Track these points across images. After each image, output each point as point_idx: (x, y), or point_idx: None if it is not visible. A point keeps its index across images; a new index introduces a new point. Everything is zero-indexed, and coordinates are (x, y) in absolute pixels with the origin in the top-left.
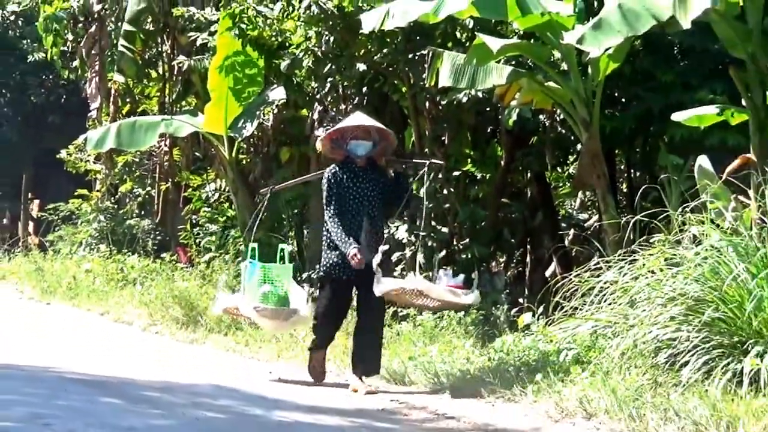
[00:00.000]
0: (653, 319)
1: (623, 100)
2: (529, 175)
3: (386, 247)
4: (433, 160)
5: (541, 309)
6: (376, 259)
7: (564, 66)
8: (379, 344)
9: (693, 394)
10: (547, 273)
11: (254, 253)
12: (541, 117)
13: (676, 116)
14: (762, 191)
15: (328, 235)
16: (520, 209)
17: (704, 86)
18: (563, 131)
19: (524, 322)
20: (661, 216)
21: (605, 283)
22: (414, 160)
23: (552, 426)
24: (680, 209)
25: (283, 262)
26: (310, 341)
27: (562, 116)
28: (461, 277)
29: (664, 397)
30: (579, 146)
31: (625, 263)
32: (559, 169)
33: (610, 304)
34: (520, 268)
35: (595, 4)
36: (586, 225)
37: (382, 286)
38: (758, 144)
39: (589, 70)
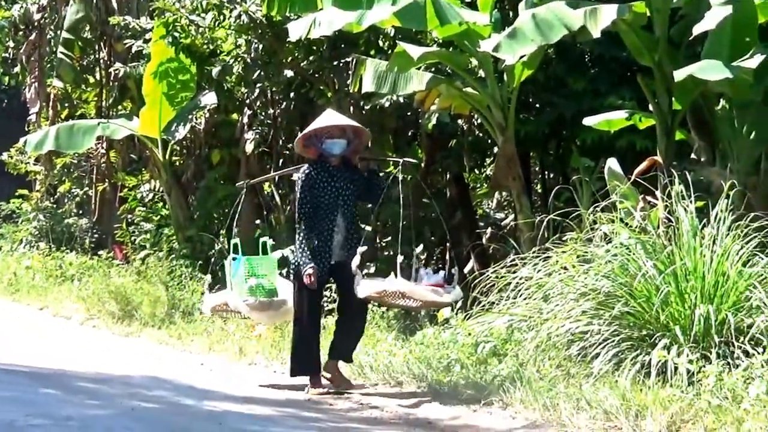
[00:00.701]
0: (566, 314)
1: (537, 105)
2: (448, 176)
3: (364, 248)
4: (406, 159)
5: (459, 304)
6: (355, 261)
7: (481, 73)
8: (357, 335)
9: (604, 384)
10: (466, 270)
11: (237, 248)
12: (459, 121)
13: (587, 121)
14: (668, 192)
15: (299, 233)
16: (440, 209)
17: (613, 92)
18: (480, 135)
19: (444, 317)
20: (573, 215)
21: (520, 279)
22: (387, 158)
23: (471, 415)
24: (591, 209)
25: (266, 254)
26: (297, 369)
27: (479, 121)
28: (441, 274)
29: (576, 388)
30: (495, 149)
31: (540, 260)
32: (477, 171)
33: (525, 299)
34: (440, 265)
35: (511, 14)
36: (502, 224)
37: (363, 288)
38: (664, 147)
39: (505, 76)
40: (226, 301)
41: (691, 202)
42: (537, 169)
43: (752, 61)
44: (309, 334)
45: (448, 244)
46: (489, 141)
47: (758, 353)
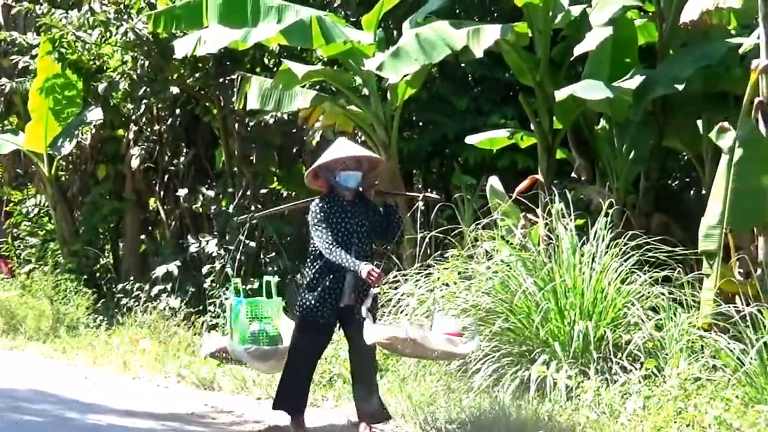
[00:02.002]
0: None
1: (421, 123)
2: None
3: (377, 290)
4: (426, 194)
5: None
6: (366, 304)
7: (365, 91)
8: (373, 388)
9: (483, 399)
10: (271, 278)
11: (237, 290)
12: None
13: (470, 139)
14: (549, 210)
15: (309, 272)
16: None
17: (496, 112)
18: None
19: None
20: (455, 232)
21: (403, 294)
22: (407, 193)
23: (350, 428)
24: (473, 226)
25: (270, 296)
26: (282, 403)
27: (363, 138)
28: (458, 321)
29: (457, 402)
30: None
31: (422, 276)
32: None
33: (407, 314)
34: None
35: (395, 33)
36: None
37: (372, 333)
38: (545, 165)
39: (388, 95)
40: (226, 347)
41: (571, 220)
42: (420, 186)
43: (632, 82)
44: (303, 373)
45: None
46: None
47: (635, 369)
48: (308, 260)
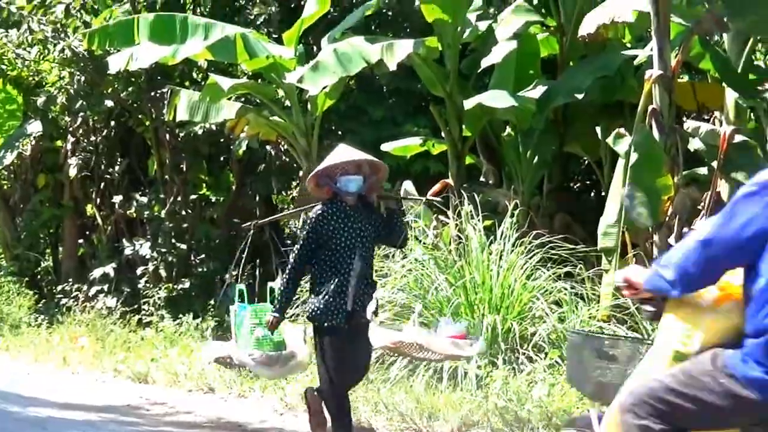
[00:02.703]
0: None
1: (340, 132)
2: (257, 198)
3: (380, 293)
4: (430, 197)
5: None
6: (371, 307)
7: (287, 102)
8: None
9: (400, 389)
10: (274, 284)
11: (243, 296)
12: (268, 147)
13: (386, 147)
14: (459, 212)
15: (313, 276)
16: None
17: (409, 121)
18: (287, 160)
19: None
20: None
21: None
22: (411, 197)
23: (277, 418)
24: None
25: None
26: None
27: (285, 147)
28: (463, 325)
29: (374, 392)
30: (301, 173)
31: None
32: (284, 193)
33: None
34: (250, 281)
35: (314, 48)
36: None
37: (377, 337)
38: (456, 170)
39: (309, 106)
40: (230, 354)
41: (479, 221)
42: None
43: (535, 92)
44: (336, 396)
45: (257, 261)
46: (295, 165)
47: (540, 359)
48: (314, 266)
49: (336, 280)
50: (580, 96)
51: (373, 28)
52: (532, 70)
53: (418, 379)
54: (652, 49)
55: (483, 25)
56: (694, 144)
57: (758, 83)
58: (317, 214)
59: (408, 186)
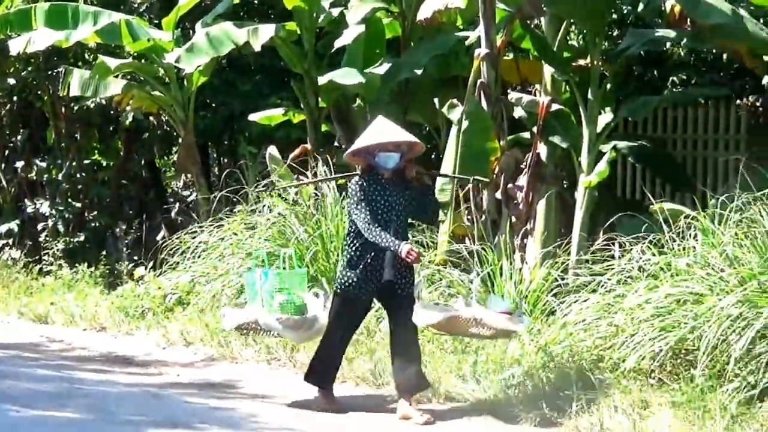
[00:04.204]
0: (236, 270)
1: (213, 105)
2: (143, 162)
3: (425, 272)
4: (476, 177)
5: (152, 264)
6: (418, 288)
7: (166, 79)
8: (414, 361)
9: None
10: (158, 237)
11: (265, 262)
12: (151, 118)
13: (253, 117)
14: (316, 172)
15: (350, 250)
16: (136, 188)
17: (273, 94)
18: (168, 129)
19: (139, 274)
20: (242, 192)
21: (200, 243)
22: (442, 174)
23: (160, 352)
24: (255, 187)
25: (292, 268)
26: (312, 375)
27: (166, 117)
28: (507, 302)
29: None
30: (180, 140)
31: (215, 228)
32: (166, 158)
33: (203, 258)
34: (138, 234)
35: (191, 32)
36: (187, 200)
37: (428, 315)
38: (313, 137)
39: (185, 82)
40: (257, 318)
41: (335, 180)
42: (214, 155)
43: (381, 69)
44: (339, 349)
45: (144, 217)
46: (174, 134)
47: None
48: (347, 237)
49: (372, 253)
50: (419, 72)
51: (241, 14)
52: (378, 50)
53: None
54: (480, 31)
55: (336, 11)
56: (518, 112)
57: (572, 60)
58: (358, 186)
59: (272, 150)
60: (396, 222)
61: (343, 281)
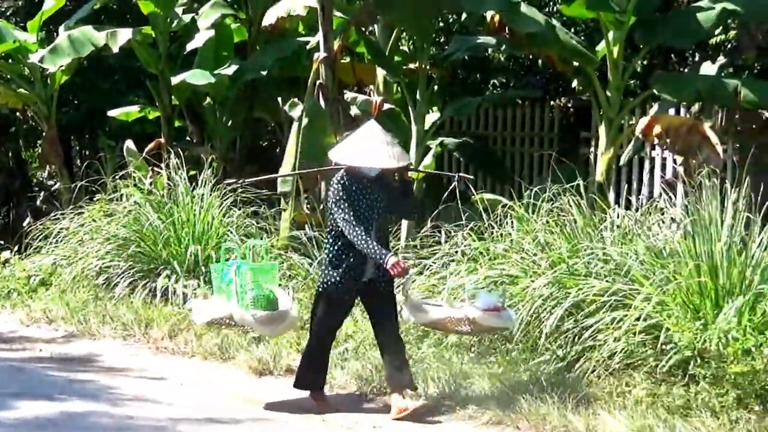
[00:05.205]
0: (95, 253)
1: (76, 101)
2: (10, 154)
3: (414, 270)
4: (461, 174)
5: (17, 248)
6: (407, 287)
7: (31, 78)
8: (402, 358)
9: (122, 304)
10: (24, 223)
11: (244, 255)
12: (18, 113)
13: (112, 113)
14: (169, 164)
15: (331, 249)
16: (4, 178)
17: (131, 92)
18: (33, 123)
19: (5, 258)
20: (101, 182)
21: (62, 228)
22: (442, 173)
23: (24, 329)
24: (114, 177)
25: (258, 260)
26: (302, 381)
27: (31, 113)
28: (495, 295)
29: (102, 307)
30: (44, 134)
31: (76, 215)
32: (32, 150)
33: (65, 243)
34: (5, 220)
35: (55, 34)
36: (51, 189)
37: (421, 316)
38: (167, 132)
39: (49, 81)
40: (231, 314)
41: (185, 171)
42: (76, 148)
43: (229, 70)
44: (325, 350)
45: (11, 205)
46: (39, 128)
47: None
48: (329, 237)
49: (353, 252)
50: (264, 73)
51: (101, 18)
52: (227, 53)
53: (137, 297)
54: (319, 37)
55: (187, 17)
56: (354, 110)
57: (402, 63)
58: (340, 184)
59: (129, 144)
60: (377, 220)
61: (325, 281)
